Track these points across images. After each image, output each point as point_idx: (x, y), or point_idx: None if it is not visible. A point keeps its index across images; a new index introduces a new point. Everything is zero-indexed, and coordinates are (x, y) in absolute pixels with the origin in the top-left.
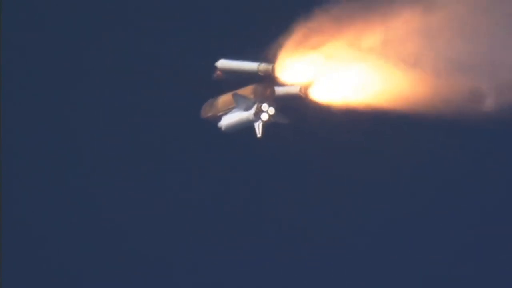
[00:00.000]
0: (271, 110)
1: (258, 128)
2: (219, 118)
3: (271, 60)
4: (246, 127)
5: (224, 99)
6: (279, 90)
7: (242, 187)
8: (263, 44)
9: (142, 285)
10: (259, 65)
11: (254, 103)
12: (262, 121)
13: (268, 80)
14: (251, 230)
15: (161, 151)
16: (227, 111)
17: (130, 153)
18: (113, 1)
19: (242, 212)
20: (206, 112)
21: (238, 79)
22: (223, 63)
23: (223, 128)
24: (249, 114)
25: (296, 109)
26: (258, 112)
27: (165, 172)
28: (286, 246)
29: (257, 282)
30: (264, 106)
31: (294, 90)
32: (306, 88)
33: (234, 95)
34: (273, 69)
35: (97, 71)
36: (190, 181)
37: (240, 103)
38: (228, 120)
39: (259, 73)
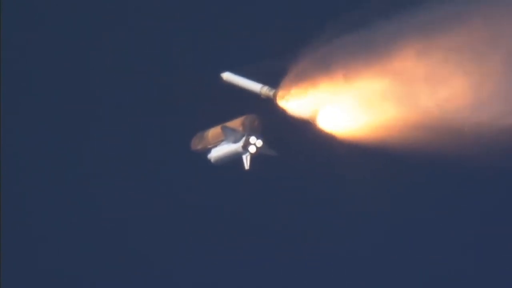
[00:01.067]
0: (259, 143)
1: (246, 161)
2: (208, 151)
3: (275, 85)
4: (235, 159)
5: (214, 131)
6: (293, 111)
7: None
8: (270, 67)
9: (142, 285)
10: (261, 87)
11: (242, 136)
12: (250, 153)
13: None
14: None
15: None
16: (216, 144)
17: (130, 155)
18: (114, 2)
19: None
20: (196, 144)
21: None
22: (228, 76)
23: (212, 160)
24: (237, 146)
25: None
26: (246, 145)
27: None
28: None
29: None
30: (252, 139)
31: (305, 114)
32: (314, 115)
33: (223, 128)
34: (274, 95)
35: (97, 71)
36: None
37: (229, 135)
38: (217, 153)
39: (261, 96)
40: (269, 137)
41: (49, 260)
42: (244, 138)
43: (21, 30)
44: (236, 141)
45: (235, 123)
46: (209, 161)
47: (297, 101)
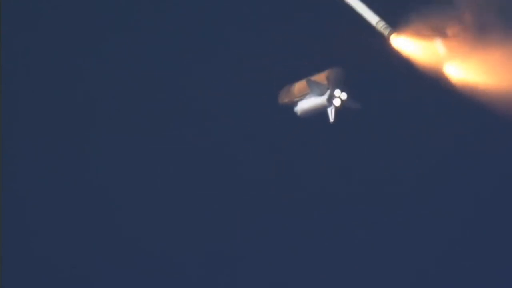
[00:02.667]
0: (344, 96)
1: (331, 113)
2: (295, 104)
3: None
4: (320, 112)
5: (299, 85)
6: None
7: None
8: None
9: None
10: (378, 21)
11: (327, 89)
12: (335, 106)
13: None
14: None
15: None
16: (302, 97)
17: (137, 150)
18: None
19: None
20: (283, 98)
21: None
22: None
23: (299, 113)
24: (322, 99)
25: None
26: (331, 98)
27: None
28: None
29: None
30: (337, 92)
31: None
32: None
33: (308, 81)
34: (388, 35)
35: (99, 72)
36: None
37: (314, 89)
38: (303, 105)
39: (376, 29)
40: (354, 90)
41: (49, 260)
42: (328, 91)
43: (21, 30)
44: (321, 94)
45: (320, 77)
46: (295, 113)
47: (417, 44)
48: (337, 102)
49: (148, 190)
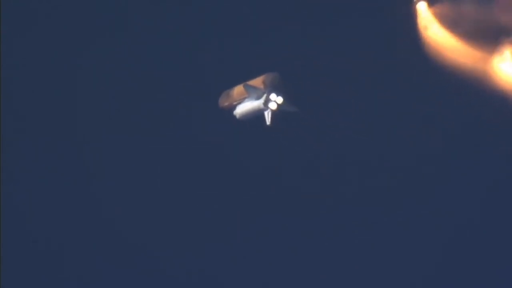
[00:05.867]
0: (279, 99)
1: (268, 116)
2: (234, 107)
3: None
4: (258, 115)
5: (238, 90)
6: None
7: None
8: None
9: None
10: None
11: (264, 93)
12: (271, 109)
13: None
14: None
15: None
16: (241, 101)
17: (132, 154)
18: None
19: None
20: (223, 102)
21: None
22: None
23: (237, 116)
24: (259, 103)
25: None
26: (268, 101)
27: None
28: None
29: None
30: (273, 96)
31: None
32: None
33: (245, 86)
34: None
35: (95, 72)
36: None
37: (251, 93)
38: (241, 109)
39: None
40: (290, 93)
41: (49, 260)
42: (265, 95)
43: (21, 30)
44: (258, 98)
45: (257, 81)
46: (234, 116)
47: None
48: (273, 106)
49: (148, 190)
